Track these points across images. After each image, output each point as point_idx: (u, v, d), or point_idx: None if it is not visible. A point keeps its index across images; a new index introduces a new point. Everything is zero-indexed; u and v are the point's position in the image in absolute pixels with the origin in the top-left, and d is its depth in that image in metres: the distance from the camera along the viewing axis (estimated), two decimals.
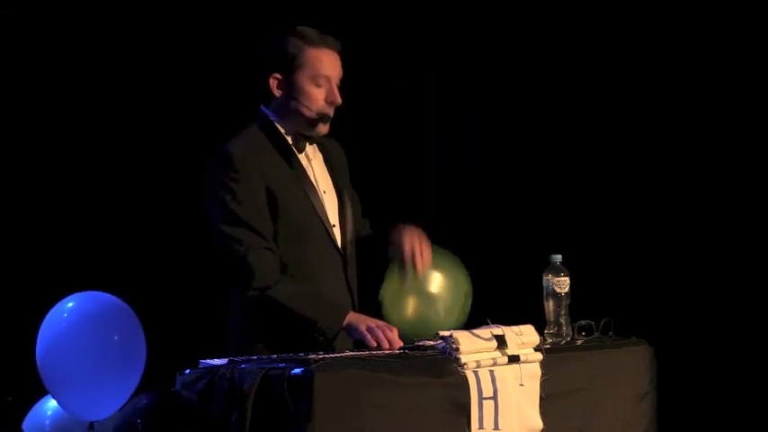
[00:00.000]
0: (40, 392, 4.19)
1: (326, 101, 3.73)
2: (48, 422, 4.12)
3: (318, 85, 3.72)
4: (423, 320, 3.69)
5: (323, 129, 3.76)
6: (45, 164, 5.25)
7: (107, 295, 4.01)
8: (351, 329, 3.58)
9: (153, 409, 3.07)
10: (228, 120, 3.91)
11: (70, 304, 3.96)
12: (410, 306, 3.71)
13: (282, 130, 3.77)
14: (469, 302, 3.79)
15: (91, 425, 3.93)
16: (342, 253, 3.77)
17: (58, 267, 5.10)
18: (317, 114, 3.71)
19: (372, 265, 3.83)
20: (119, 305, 3.98)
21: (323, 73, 3.71)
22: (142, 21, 5.35)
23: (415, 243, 3.71)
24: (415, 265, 3.68)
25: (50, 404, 4.15)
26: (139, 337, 3.95)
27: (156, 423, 3.04)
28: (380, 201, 4.17)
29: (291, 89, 3.71)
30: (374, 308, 3.83)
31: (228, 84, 5.21)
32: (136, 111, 5.38)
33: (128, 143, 5.36)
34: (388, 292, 3.72)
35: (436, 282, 3.73)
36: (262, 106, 3.80)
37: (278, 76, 3.73)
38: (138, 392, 3.88)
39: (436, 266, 3.74)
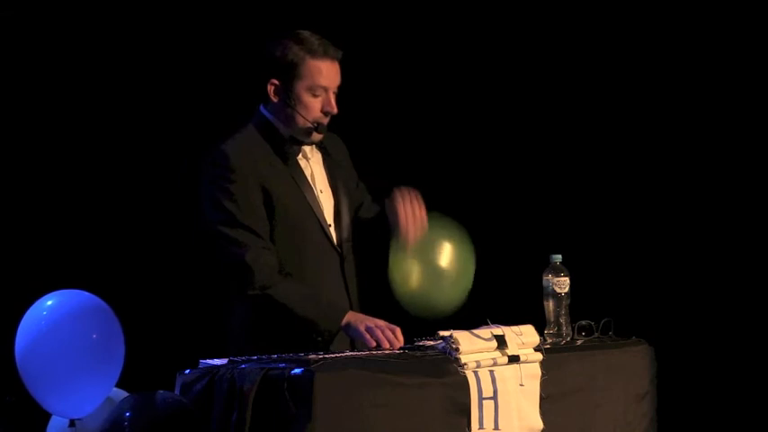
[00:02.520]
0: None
1: (322, 110, 3.73)
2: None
3: (315, 96, 3.71)
4: (427, 295, 3.67)
5: (316, 137, 3.76)
6: (41, 162, 5.24)
7: (86, 293, 4.01)
8: (350, 329, 3.58)
9: (140, 412, 3.07)
10: (219, 119, 3.91)
11: (49, 302, 3.96)
12: (414, 280, 3.69)
13: (280, 130, 3.77)
14: (473, 271, 3.77)
15: (72, 422, 3.93)
16: (338, 251, 3.77)
17: (42, 265, 5.09)
18: (312, 123, 3.72)
19: (381, 245, 3.80)
20: (97, 303, 3.98)
21: (321, 84, 3.71)
22: (142, 21, 5.35)
23: (408, 208, 3.68)
24: (409, 232, 3.66)
25: None
26: (118, 334, 3.96)
27: (144, 425, 3.04)
28: (379, 202, 4.15)
29: (288, 97, 3.71)
30: (376, 305, 3.83)
31: (216, 83, 5.22)
32: (126, 111, 5.37)
33: (118, 142, 5.35)
34: (393, 266, 3.68)
35: (442, 254, 3.70)
36: (261, 106, 3.80)
37: (276, 82, 3.73)
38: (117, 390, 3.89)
39: (441, 236, 3.71)
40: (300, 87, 3.70)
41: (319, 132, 3.73)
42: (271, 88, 3.73)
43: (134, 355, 4.25)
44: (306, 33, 3.74)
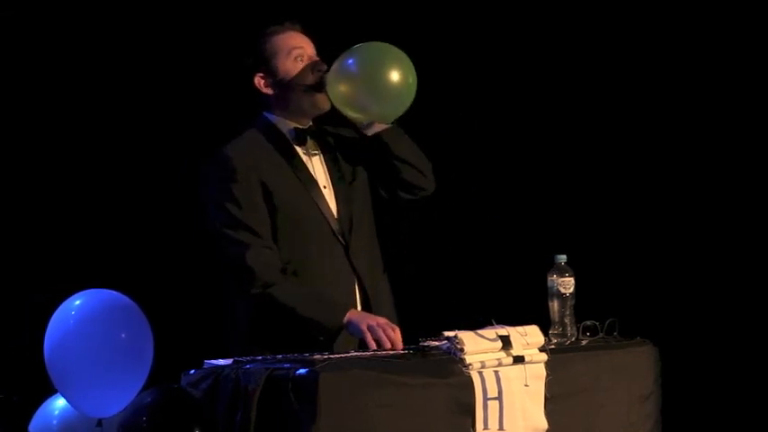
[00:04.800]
0: (45, 392, 4.20)
1: (313, 71, 3.77)
2: (55, 422, 4.12)
3: (298, 60, 3.78)
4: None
5: (323, 100, 3.77)
6: (49, 162, 5.24)
7: (115, 293, 4.03)
8: (351, 327, 3.59)
9: (158, 407, 3.08)
10: (237, 119, 3.92)
11: (78, 302, 3.98)
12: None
13: (281, 128, 3.80)
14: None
15: (99, 422, 3.95)
16: (342, 241, 3.78)
17: (65, 265, 5.11)
18: (311, 85, 3.75)
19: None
20: (126, 302, 4.00)
21: (296, 46, 3.79)
22: (142, 22, 5.35)
23: None
24: None
25: (57, 404, 4.15)
26: (147, 334, 3.97)
27: (162, 420, 3.05)
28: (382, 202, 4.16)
29: (277, 77, 3.78)
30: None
31: (236, 85, 5.21)
32: (145, 109, 5.37)
33: (135, 142, 5.36)
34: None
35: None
36: (263, 112, 3.85)
37: (260, 74, 3.79)
38: (144, 390, 3.89)
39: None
40: (281, 61, 3.78)
41: (321, 92, 3.75)
42: (260, 82, 3.81)
43: None
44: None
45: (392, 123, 3.79)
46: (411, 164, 3.85)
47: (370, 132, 3.78)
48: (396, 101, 3.70)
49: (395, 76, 3.66)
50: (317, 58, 3.80)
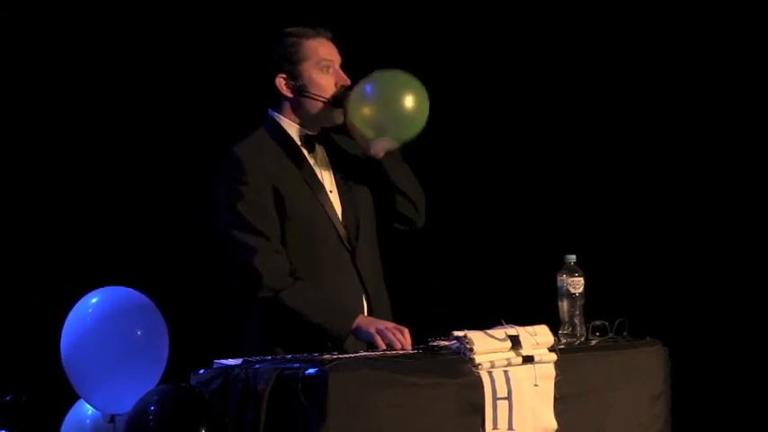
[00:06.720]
0: (53, 391, 4.21)
1: (336, 85, 3.77)
2: (88, 421, 4.15)
3: (325, 71, 3.77)
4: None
5: (339, 115, 3.77)
6: (54, 162, 5.25)
7: (131, 290, 4.05)
8: (360, 332, 3.59)
9: (164, 405, 3.08)
10: (250, 117, 3.93)
11: (94, 299, 4.00)
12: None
13: (290, 132, 3.80)
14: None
15: (112, 418, 3.97)
16: (348, 247, 3.78)
17: (81, 263, 5.12)
18: (332, 100, 3.75)
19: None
20: (142, 300, 4.02)
21: (326, 57, 3.77)
22: (142, 21, 5.35)
23: None
24: None
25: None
26: (162, 332, 4.00)
27: (168, 418, 3.05)
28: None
29: (300, 83, 3.76)
30: (396, 298, 3.85)
31: (246, 85, 5.21)
32: (157, 105, 5.37)
33: (149, 138, 5.36)
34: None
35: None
36: (270, 110, 3.84)
37: (283, 75, 3.78)
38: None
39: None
40: (308, 68, 3.76)
41: (339, 108, 3.75)
42: (281, 82, 3.78)
43: None
44: (295, 28, 3.82)
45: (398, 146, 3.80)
46: (405, 195, 3.86)
47: (372, 152, 3.77)
48: (411, 124, 3.70)
49: (411, 101, 3.66)
50: (342, 74, 3.78)
